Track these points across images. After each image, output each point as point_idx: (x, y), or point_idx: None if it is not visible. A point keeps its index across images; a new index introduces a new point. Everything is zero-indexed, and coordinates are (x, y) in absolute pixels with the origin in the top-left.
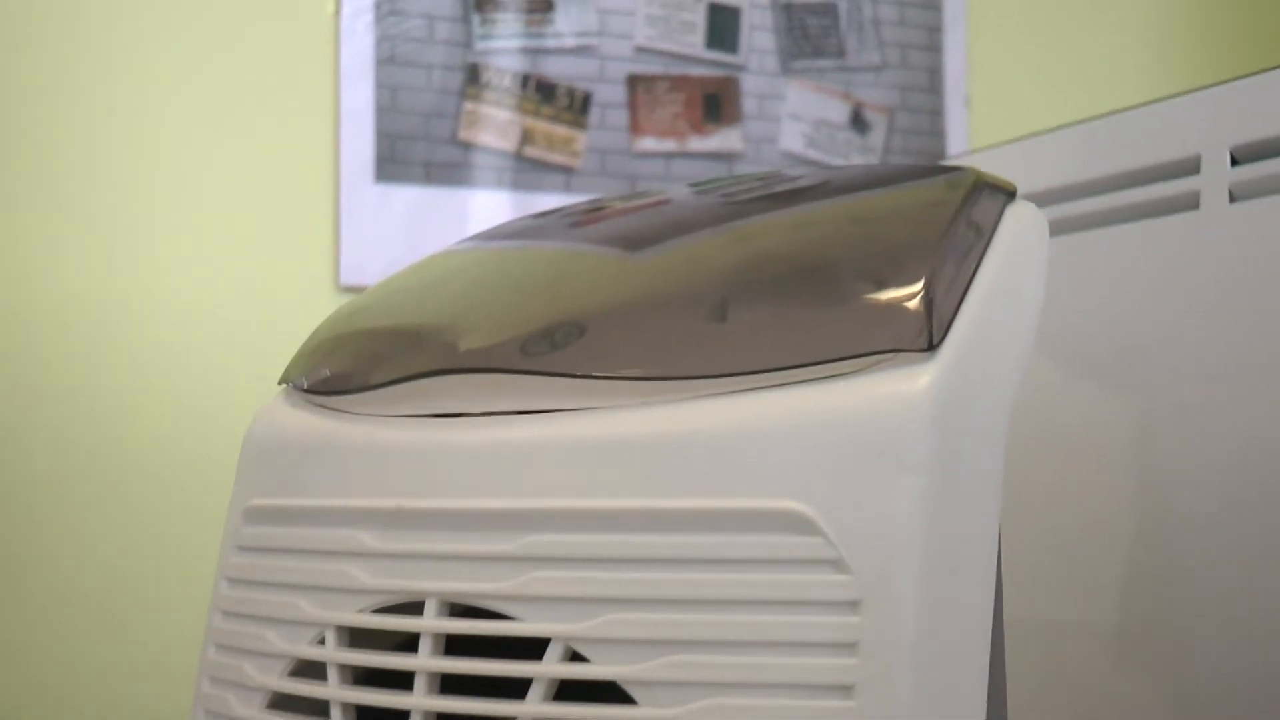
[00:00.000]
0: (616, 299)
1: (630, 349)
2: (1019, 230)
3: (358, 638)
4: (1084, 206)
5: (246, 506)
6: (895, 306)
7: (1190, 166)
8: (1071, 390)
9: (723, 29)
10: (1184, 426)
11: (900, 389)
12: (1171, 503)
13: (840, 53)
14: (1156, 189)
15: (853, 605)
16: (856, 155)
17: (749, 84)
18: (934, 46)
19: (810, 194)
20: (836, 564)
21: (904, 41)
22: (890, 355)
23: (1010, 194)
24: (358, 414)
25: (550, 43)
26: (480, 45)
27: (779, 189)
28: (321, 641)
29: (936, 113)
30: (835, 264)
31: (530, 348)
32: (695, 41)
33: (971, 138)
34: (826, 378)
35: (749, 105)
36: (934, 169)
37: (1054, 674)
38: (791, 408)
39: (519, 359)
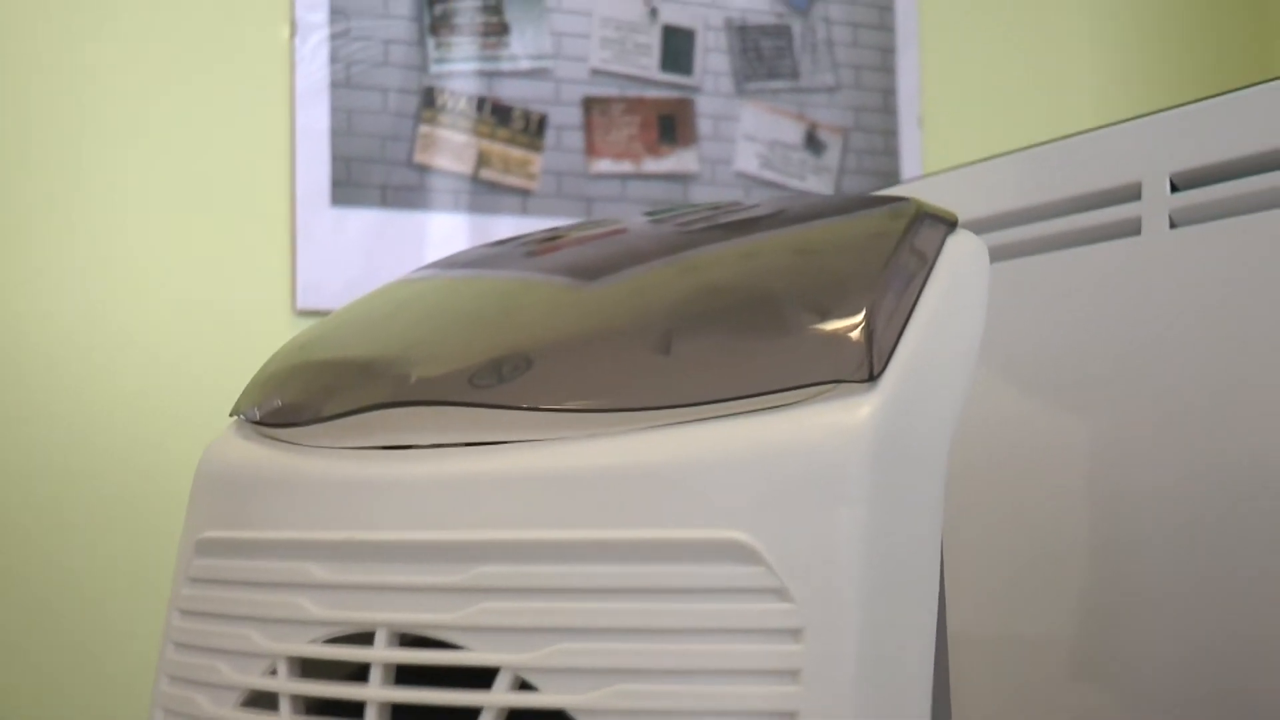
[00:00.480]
0: (564, 331)
1: (576, 381)
2: (960, 260)
3: (309, 668)
4: (1028, 232)
5: (198, 539)
6: (836, 337)
7: (1131, 193)
8: (1019, 412)
9: (677, 51)
10: (1130, 447)
11: (841, 420)
12: (1120, 521)
13: (794, 74)
14: (1099, 215)
15: (795, 633)
16: (811, 176)
17: (704, 105)
18: (887, 68)
19: (759, 225)
20: (779, 593)
21: (857, 63)
22: (832, 386)
23: (951, 224)
24: (308, 446)
25: (505, 65)
26: (435, 68)
27: (729, 219)
28: (274, 672)
29: (890, 133)
30: (779, 295)
31: (478, 380)
32: (650, 64)
33: (925, 157)
34: (769, 409)
35: (704, 126)
36: (878, 199)
37: (1009, 691)
38: (734, 439)
39: (467, 391)
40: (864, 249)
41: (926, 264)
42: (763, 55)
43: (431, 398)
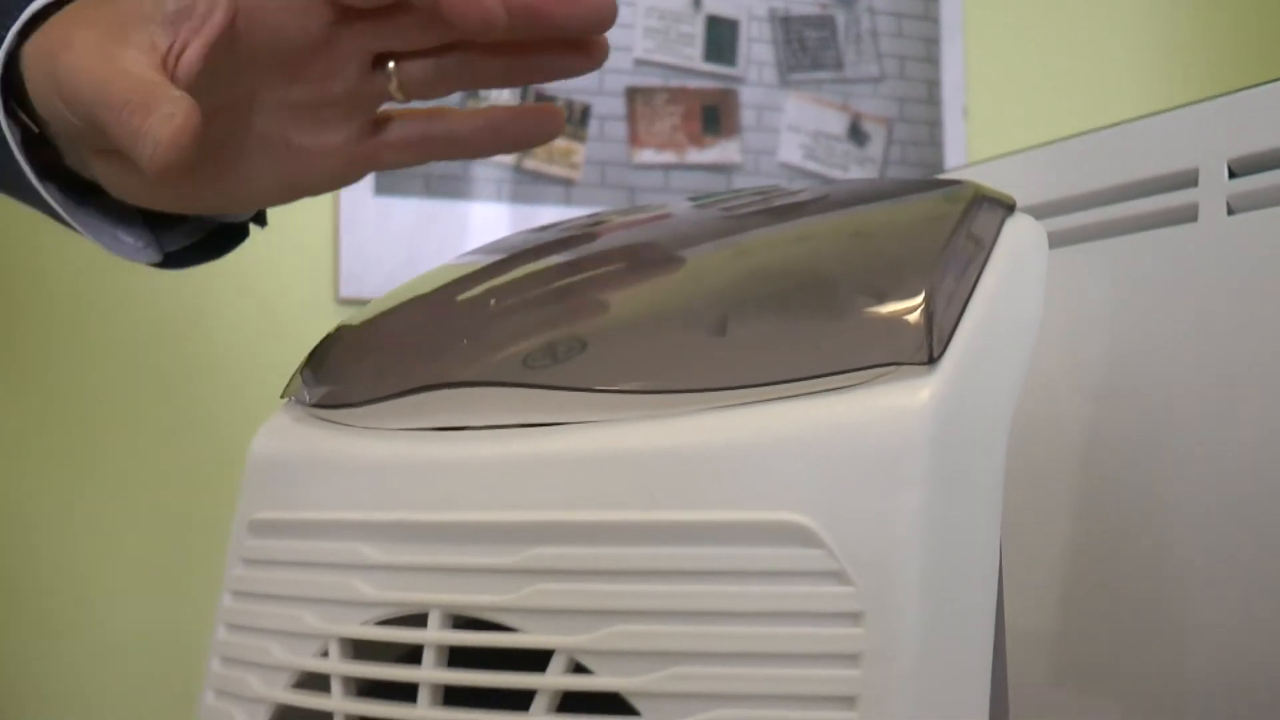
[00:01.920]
0: (618, 313)
1: (632, 363)
2: (1018, 243)
3: (361, 650)
4: (1082, 219)
5: (251, 519)
6: (895, 320)
7: (1188, 179)
8: (1069, 400)
9: (721, 41)
10: (1183, 436)
11: (900, 402)
12: (1171, 511)
13: (838, 65)
14: (1154, 201)
15: (854, 617)
16: (855, 167)
17: (747, 96)
18: (931, 58)
19: (809, 208)
20: (838, 576)
21: (902, 53)
22: (890, 369)
23: (1009, 207)
24: (360, 428)
25: None
26: None
27: (778, 203)
28: (325, 654)
29: (935, 124)
30: (835, 278)
31: (532, 361)
32: (694, 54)
33: (970, 148)
34: (827, 391)
35: (747, 117)
36: (933, 183)
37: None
38: (792, 421)
39: (521, 373)
40: (922, 232)
41: (985, 247)
42: (807, 46)
43: (486, 378)
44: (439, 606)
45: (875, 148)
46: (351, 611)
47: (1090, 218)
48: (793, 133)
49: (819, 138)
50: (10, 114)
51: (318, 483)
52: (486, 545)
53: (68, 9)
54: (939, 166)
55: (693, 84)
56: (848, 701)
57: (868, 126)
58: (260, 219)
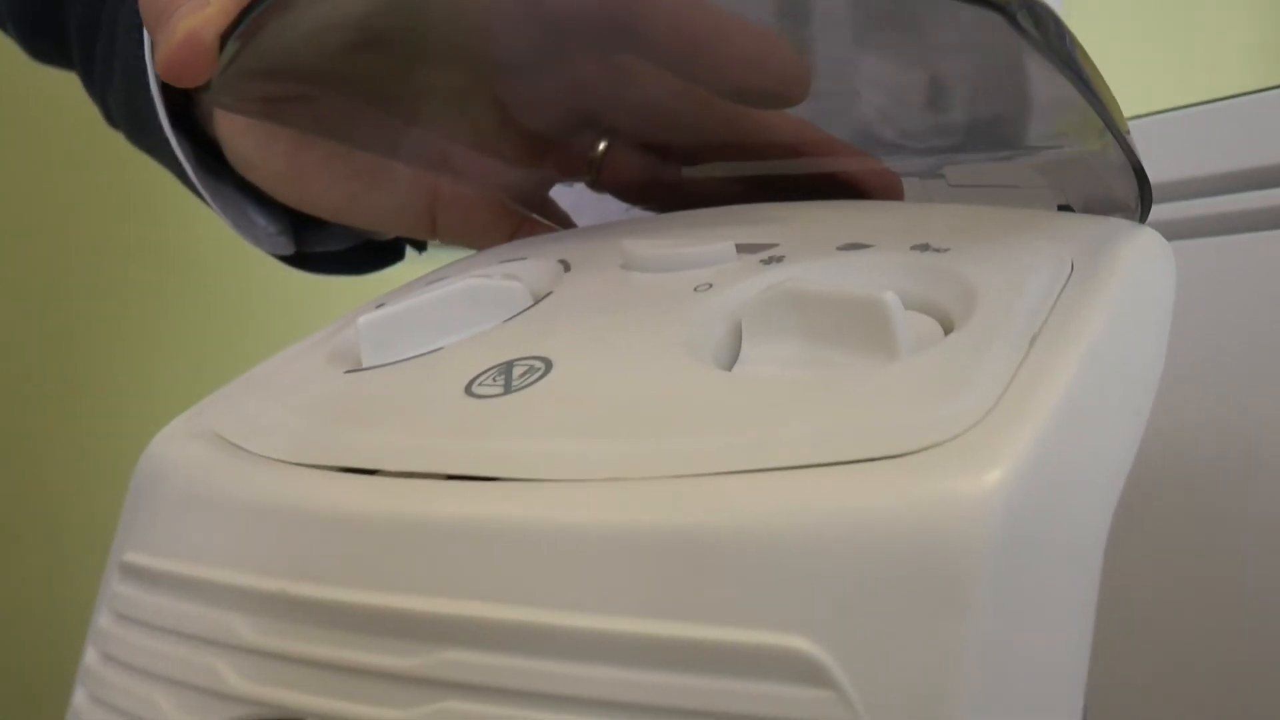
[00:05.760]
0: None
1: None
2: (1139, 271)
3: None
4: (1172, 212)
5: (122, 559)
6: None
7: None
8: (1169, 419)
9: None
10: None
11: (957, 486)
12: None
13: None
14: (1262, 196)
15: None
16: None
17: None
18: None
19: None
20: None
21: None
22: (950, 439)
23: (1139, 213)
24: (255, 453)
25: None
26: None
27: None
28: None
29: None
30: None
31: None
32: None
33: None
34: (860, 461)
35: None
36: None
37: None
38: (808, 502)
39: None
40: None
41: (1093, 276)
42: None
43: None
44: (316, 714)
45: None
46: (214, 705)
47: (1182, 211)
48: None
49: None
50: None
51: (197, 523)
52: (386, 639)
53: None
54: None
55: None
56: None
57: None
58: (421, 243)
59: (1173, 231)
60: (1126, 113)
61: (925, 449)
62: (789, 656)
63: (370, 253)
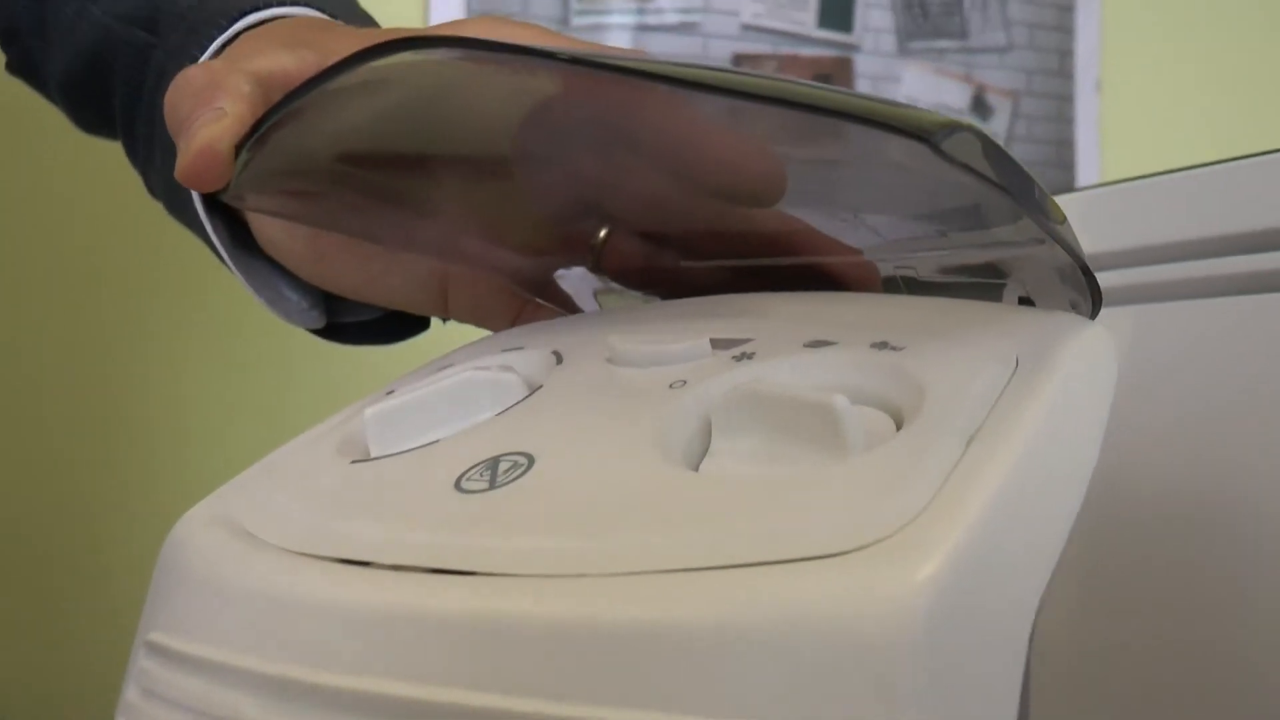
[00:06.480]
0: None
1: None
2: (1078, 367)
3: None
4: (1169, 273)
5: (147, 638)
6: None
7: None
8: (1157, 484)
9: (836, 6)
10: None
11: (886, 584)
12: (1250, 602)
13: (962, 33)
14: (1245, 261)
15: None
16: None
17: (863, 65)
18: (1064, 26)
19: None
20: None
21: (1031, 21)
22: (886, 537)
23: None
24: (260, 539)
25: (651, 19)
26: (577, 21)
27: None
28: None
29: (1065, 97)
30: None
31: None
32: (806, 19)
33: (1103, 124)
34: (804, 560)
35: (863, 88)
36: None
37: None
38: (751, 598)
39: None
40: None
41: (1033, 372)
42: (929, 12)
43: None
44: None
45: (1000, 122)
46: None
47: (1179, 272)
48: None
49: (939, 110)
50: None
51: (210, 607)
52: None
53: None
54: (1068, 143)
55: (805, 52)
56: None
57: (992, 99)
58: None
59: (1148, 295)
60: (1166, 114)
61: (861, 548)
62: None
63: (398, 323)
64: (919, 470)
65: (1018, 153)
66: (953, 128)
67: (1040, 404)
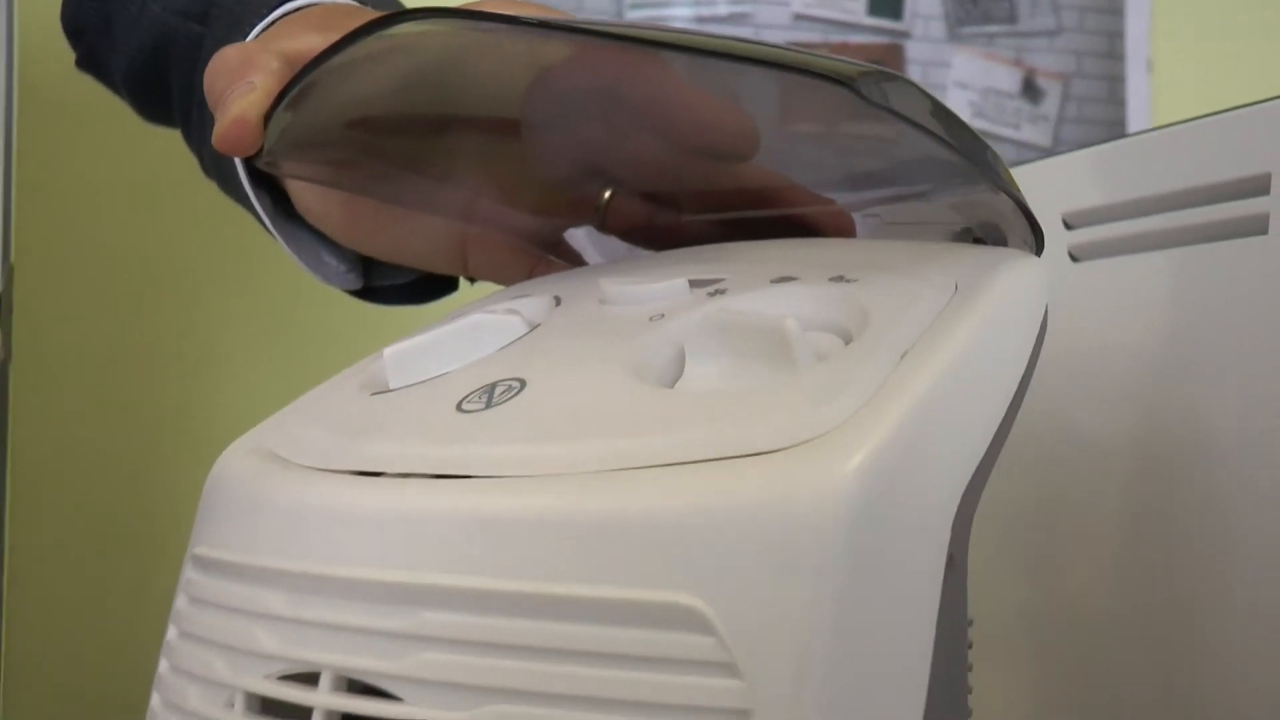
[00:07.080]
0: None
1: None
2: (1008, 293)
3: (270, 703)
4: (1138, 226)
5: (194, 552)
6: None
7: (1259, 186)
8: (1120, 422)
9: None
10: (1247, 459)
11: (815, 474)
12: (1226, 532)
13: (1012, 17)
14: (1220, 209)
15: (742, 714)
16: (1027, 125)
17: (914, 52)
18: (1114, 9)
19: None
20: (729, 668)
21: (1081, 3)
22: (818, 436)
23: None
24: (294, 461)
25: (704, 10)
26: (630, 15)
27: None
28: (232, 705)
29: (1116, 79)
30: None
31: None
32: (857, 7)
33: (1154, 106)
34: (741, 455)
35: (913, 74)
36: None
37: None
38: (698, 488)
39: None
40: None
41: (962, 296)
42: None
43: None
44: (330, 667)
45: (1050, 105)
46: (255, 664)
47: (1151, 225)
48: (961, 90)
49: (989, 95)
50: None
51: (247, 520)
52: (379, 605)
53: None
54: (1120, 124)
55: (855, 39)
56: None
57: (1042, 82)
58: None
59: (1135, 245)
60: (1219, 93)
61: (797, 445)
62: (678, 610)
63: (429, 284)
64: (855, 380)
65: (1069, 135)
66: (880, 76)
67: (968, 323)
